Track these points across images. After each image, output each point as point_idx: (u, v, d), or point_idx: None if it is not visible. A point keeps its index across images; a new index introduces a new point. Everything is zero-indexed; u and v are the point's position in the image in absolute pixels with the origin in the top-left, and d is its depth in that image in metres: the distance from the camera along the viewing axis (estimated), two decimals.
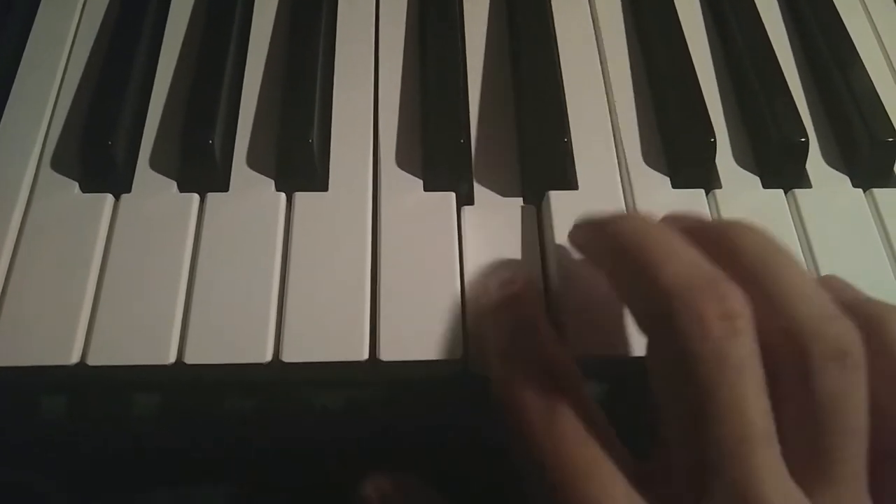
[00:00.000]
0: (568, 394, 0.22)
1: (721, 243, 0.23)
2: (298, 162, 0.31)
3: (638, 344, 0.26)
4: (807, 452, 0.20)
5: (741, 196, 0.31)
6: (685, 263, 0.21)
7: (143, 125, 0.33)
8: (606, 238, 0.24)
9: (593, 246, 0.25)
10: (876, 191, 0.32)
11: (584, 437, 0.21)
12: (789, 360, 0.21)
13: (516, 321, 0.25)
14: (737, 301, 0.20)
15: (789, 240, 0.30)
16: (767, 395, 0.20)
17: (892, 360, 0.21)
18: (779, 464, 0.20)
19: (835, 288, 0.24)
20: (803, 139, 0.32)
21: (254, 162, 0.32)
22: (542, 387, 0.22)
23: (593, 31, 0.37)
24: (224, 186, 0.31)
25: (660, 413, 0.21)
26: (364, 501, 0.24)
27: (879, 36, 0.38)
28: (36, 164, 0.31)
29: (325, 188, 0.31)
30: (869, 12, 0.39)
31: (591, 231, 0.25)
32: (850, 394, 0.20)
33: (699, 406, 0.19)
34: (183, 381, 0.28)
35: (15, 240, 0.29)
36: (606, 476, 0.20)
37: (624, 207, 0.31)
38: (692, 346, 0.19)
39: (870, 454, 0.21)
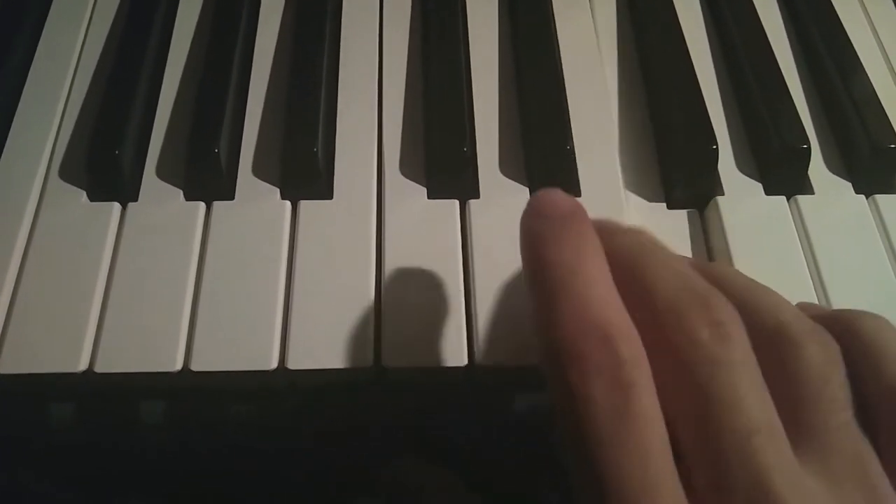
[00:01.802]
0: (641, 386, 0.20)
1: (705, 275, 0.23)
2: (303, 170, 0.31)
3: None
4: (806, 432, 0.20)
5: (743, 203, 0.31)
6: (674, 277, 0.21)
7: (150, 134, 0.33)
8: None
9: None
10: (878, 197, 0.32)
11: (651, 448, 0.19)
12: (774, 353, 0.21)
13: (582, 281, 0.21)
14: (723, 310, 0.20)
15: (792, 246, 0.30)
16: (768, 392, 0.20)
17: (872, 360, 0.22)
18: (789, 456, 0.20)
19: (807, 308, 0.25)
20: (805, 145, 0.32)
21: (259, 170, 0.32)
22: (614, 376, 0.19)
23: (595, 39, 0.37)
24: (230, 195, 0.31)
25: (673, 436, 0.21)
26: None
27: (881, 42, 0.38)
28: (44, 172, 0.32)
29: (329, 196, 0.31)
30: (871, 19, 0.39)
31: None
32: (833, 369, 0.21)
33: (702, 410, 0.19)
34: (188, 388, 0.28)
35: (23, 248, 0.29)
36: (669, 493, 0.19)
37: (628, 214, 0.31)
38: (684, 353, 0.20)
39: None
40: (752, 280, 0.24)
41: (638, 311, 0.21)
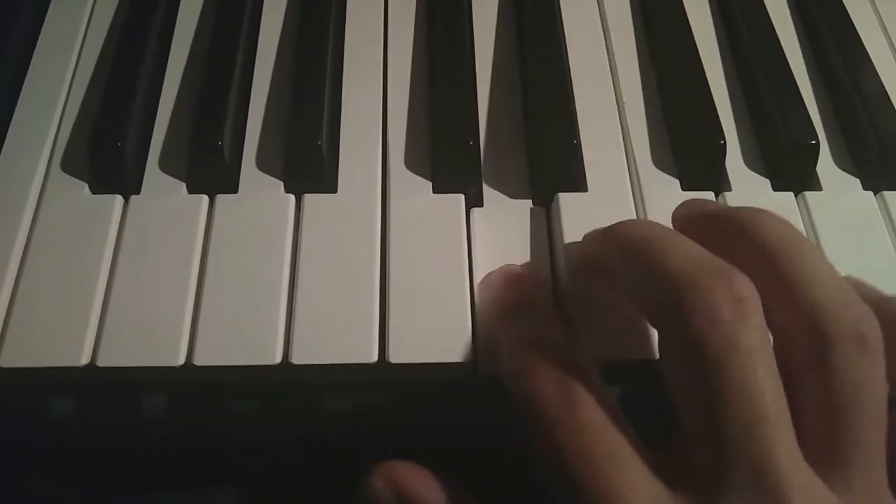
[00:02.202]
0: (584, 381, 0.21)
1: (737, 229, 0.23)
2: (307, 164, 0.31)
3: (648, 346, 0.26)
4: (824, 439, 0.20)
5: (751, 199, 0.31)
6: (693, 255, 0.21)
7: (153, 126, 0.33)
8: (615, 243, 0.24)
9: (603, 253, 0.25)
10: (887, 193, 0.32)
11: (603, 424, 0.20)
12: (807, 344, 0.20)
13: (525, 309, 0.24)
14: (744, 286, 0.20)
15: None
16: (780, 380, 0.20)
17: None
18: (794, 446, 0.20)
19: (854, 284, 0.24)
20: (814, 141, 0.32)
21: (263, 163, 0.32)
22: (558, 375, 0.21)
23: (602, 33, 0.37)
24: (233, 188, 0.31)
25: (675, 406, 0.21)
26: (373, 494, 0.24)
27: (890, 38, 0.38)
28: (46, 164, 0.31)
29: (334, 190, 0.31)
30: (879, 14, 0.38)
31: (599, 240, 0.25)
32: (868, 377, 0.20)
33: (712, 391, 0.19)
34: (192, 383, 0.28)
35: (25, 241, 0.29)
36: (628, 463, 0.20)
37: (633, 209, 0.31)
38: (702, 330, 0.20)
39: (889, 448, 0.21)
40: (788, 231, 0.22)
41: (654, 293, 0.21)
